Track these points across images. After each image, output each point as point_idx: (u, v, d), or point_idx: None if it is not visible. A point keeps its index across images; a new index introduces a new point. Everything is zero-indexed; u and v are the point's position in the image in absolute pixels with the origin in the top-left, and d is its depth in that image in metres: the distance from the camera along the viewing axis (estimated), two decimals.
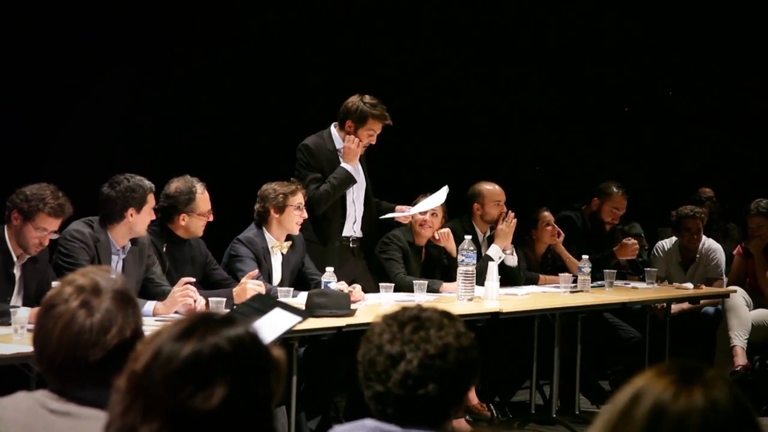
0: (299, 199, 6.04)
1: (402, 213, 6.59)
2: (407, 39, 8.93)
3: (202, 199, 5.64)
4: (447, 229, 6.82)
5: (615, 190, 7.92)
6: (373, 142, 6.45)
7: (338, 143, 6.46)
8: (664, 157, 10.05)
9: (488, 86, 9.35)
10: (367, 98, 6.39)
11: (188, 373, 1.70)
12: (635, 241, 7.76)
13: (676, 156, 10.04)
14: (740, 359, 7.12)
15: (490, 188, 7.19)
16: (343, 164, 6.36)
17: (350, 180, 6.37)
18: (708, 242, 7.84)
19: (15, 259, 4.90)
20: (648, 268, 7.59)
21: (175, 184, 5.65)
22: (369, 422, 2.23)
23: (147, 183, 5.29)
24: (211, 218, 5.69)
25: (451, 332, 2.24)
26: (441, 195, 6.53)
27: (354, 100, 6.41)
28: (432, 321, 2.24)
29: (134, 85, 7.51)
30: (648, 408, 1.58)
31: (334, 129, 6.49)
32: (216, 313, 1.85)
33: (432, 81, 9.06)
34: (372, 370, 2.22)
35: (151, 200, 5.28)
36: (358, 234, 6.53)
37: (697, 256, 7.80)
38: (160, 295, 5.25)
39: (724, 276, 7.81)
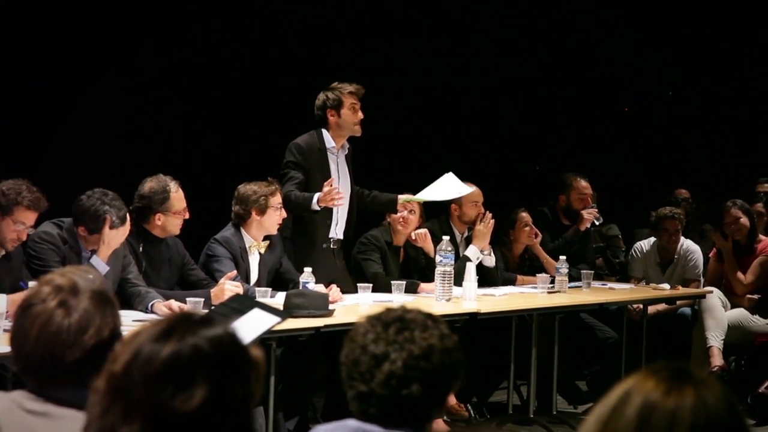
0: (279, 199, 6.04)
1: (409, 197, 6.56)
2: (397, 36, 8.93)
3: (177, 197, 5.62)
4: (425, 230, 6.83)
5: (573, 178, 7.97)
6: (361, 116, 6.45)
7: (329, 142, 6.45)
8: (641, 158, 10.08)
9: (486, 85, 9.34)
10: (331, 85, 6.47)
11: (168, 374, 1.70)
12: (592, 210, 7.80)
13: (652, 157, 10.07)
14: (717, 360, 7.16)
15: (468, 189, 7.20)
16: (315, 204, 6.19)
17: (306, 210, 6.24)
18: (686, 243, 7.87)
19: None
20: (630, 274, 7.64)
21: (149, 184, 5.62)
22: (351, 422, 2.23)
23: (104, 209, 5.16)
24: (187, 216, 5.66)
25: (435, 333, 2.24)
26: (451, 185, 6.52)
27: (320, 94, 6.48)
28: (416, 322, 2.25)
29: (114, 87, 7.48)
30: (638, 406, 1.59)
31: (324, 130, 6.48)
32: (194, 313, 1.84)
33: (427, 81, 9.06)
34: (355, 370, 2.22)
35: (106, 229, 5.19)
36: (339, 236, 6.52)
37: (675, 257, 7.83)
38: (135, 296, 5.23)
39: (702, 277, 7.84)
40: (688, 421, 1.57)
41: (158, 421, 1.68)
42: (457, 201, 7.17)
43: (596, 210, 7.88)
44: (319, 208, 6.19)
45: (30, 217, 4.82)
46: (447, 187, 6.56)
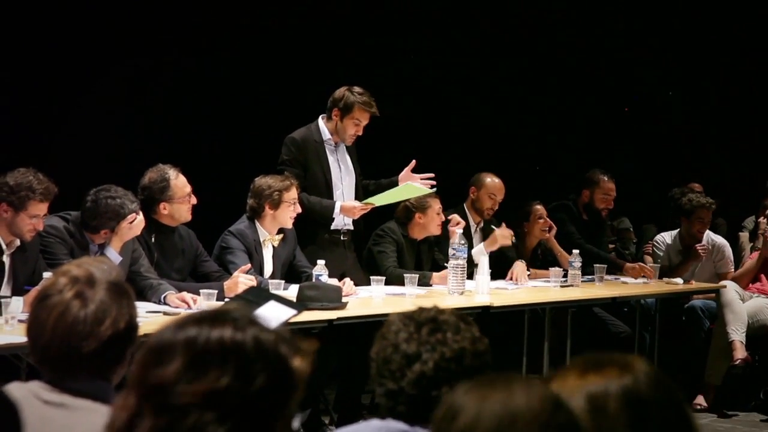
0: (293, 194, 6.01)
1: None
2: (404, 31, 8.92)
3: (177, 184, 5.59)
4: (462, 222, 6.76)
5: (601, 176, 7.93)
6: (360, 133, 6.43)
7: (325, 135, 6.44)
8: (647, 155, 10.01)
9: (486, 85, 9.32)
10: (356, 89, 6.40)
11: (154, 351, 1.73)
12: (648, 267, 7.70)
13: (663, 153, 10.01)
14: (740, 353, 7.08)
15: (490, 180, 7.22)
16: (337, 210, 6.33)
17: (327, 219, 6.35)
18: (712, 236, 7.81)
19: (4, 247, 4.88)
20: (653, 264, 7.54)
21: (149, 175, 5.61)
22: (375, 422, 2.25)
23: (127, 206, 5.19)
24: (194, 201, 5.64)
25: (467, 336, 2.27)
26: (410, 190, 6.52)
27: (342, 90, 6.42)
28: (449, 324, 2.27)
29: (125, 78, 7.48)
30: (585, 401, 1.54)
31: (321, 121, 6.48)
32: (225, 311, 1.82)
33: (428, 79, 9.04)
34: (386, 367, 2.25)
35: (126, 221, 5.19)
36: (349, 226, 6.51)
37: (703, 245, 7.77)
38: (148, 289, 5.23)
39: (733, 270, 7.77)
40: (619, 401, 1.53)
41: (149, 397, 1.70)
42: (477, 186, 7.21)
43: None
44: (341, 216, 6.33)
45: (43, 208, 4.83)
46: (405, 192, 6.55)
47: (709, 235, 7.80)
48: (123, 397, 1.74)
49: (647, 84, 9.95)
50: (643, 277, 7.46)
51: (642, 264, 7.65)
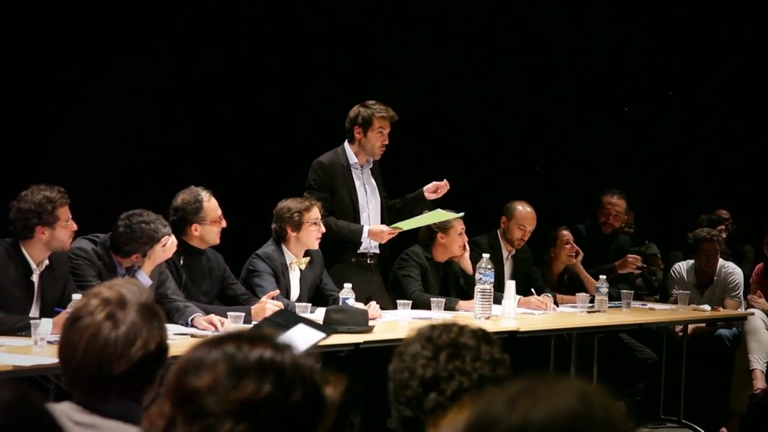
0: (315, 214, 6.03)
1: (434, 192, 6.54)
2: (432, 53, 8.96)
3: (210, 206, 5.64)
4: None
5: (604, 194, 7.92)
6: (386, 142, 6.45)
7: (351, 158, 6.47)
8: (680, 179, 9.95)
9: (487, 87, 9.30)
10: (368, 102, 6.48)
11: (190, 362, 1.76)
12: (636, 257, 7.75)
13: (692, 178, 9.95)
14: (759, 383, 7.05)
15: (521, 209, 7.21)
16: (365, 234, 6.37)
17: (355, 243, 6.40)
18: (726, 264, 7.77)
19: (34, 267, 4.90)
20: (679, 291, 7.48)
21: (182, 196, 5.65)
22: None
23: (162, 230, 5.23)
24: (224, 224, 5.68)
25: (487, 360, 2.19)
26: (438, 216, 6.52)
27: (355, 108, 6.49)
28: (468, 348, 2.19)
29: (151, 101, 7.52)
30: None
31: (347, 144, 6.51)
32: (263, 334, 1.83)
33: (432, 87, 9.05)
34: (403, 393, 2.18)
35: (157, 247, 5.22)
36: (375, 250, 6.51)
37: (715, 278, 7.73)
38: (175, 311, 5.25)
39: (743, 298, 7.73)
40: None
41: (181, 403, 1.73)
42: (508, 216, 7.21)
43: (640, 259, 7.80)
44: (368, 240, 6.35)
45: (68, 210, 4.88)
46: (433, 217, 6.55)
47: (722, 265, 7.75)
48: (158, 406, 1.75)
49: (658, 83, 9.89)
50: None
51: (635, 256, 7.74)
